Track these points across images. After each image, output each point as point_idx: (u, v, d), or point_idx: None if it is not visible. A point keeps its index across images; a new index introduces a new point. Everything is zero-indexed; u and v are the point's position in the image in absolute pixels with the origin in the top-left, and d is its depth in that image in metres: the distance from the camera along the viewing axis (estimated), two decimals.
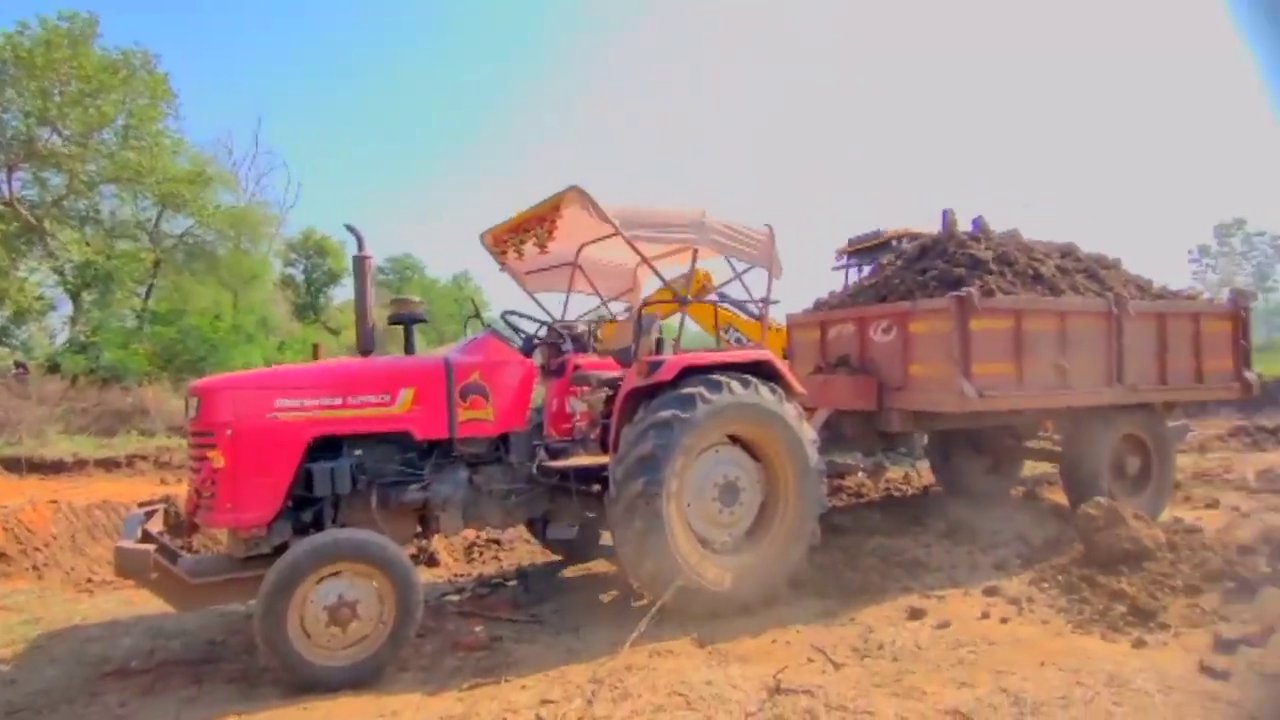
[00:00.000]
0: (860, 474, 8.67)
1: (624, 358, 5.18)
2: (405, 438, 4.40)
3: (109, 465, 10.66)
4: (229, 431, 3.90)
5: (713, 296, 6.78)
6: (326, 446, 4.19)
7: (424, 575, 5.69)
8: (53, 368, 16.13)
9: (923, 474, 8.62)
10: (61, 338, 20.96)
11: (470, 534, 6.51)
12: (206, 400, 3.98)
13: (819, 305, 7.75)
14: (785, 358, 7.61)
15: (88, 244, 19.95)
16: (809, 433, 4.97)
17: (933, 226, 7.47)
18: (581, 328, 6.00)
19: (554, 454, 4.99)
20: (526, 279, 6.08)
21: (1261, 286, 37.52)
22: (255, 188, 28.18)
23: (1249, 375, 6.93)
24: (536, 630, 4.59)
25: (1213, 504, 7.28)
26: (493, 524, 4.91)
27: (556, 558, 6.14)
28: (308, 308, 30.57)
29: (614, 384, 5.04)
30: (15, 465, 10.05)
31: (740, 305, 7.15)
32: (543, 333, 5.51)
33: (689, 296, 5.29)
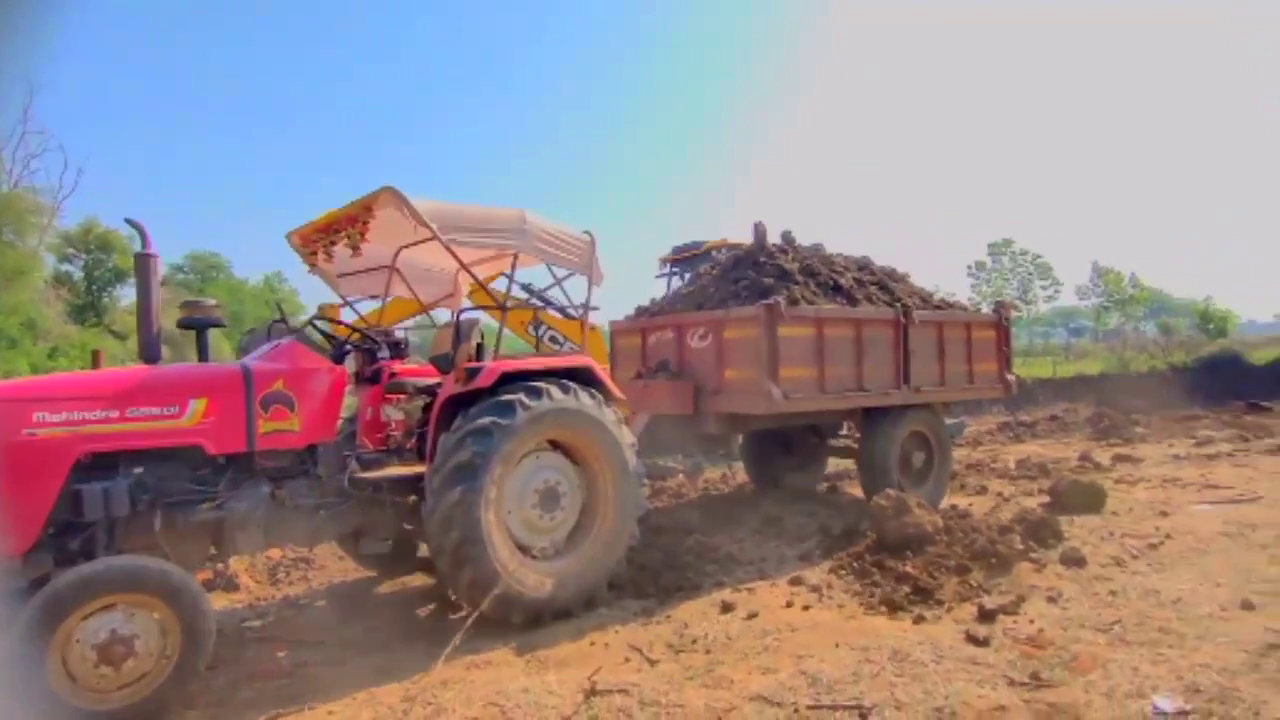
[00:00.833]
0: (680, 475, 9.01)
1: (443, 364, 5.05)
2: (196, 452, 4.03)
3: None
4: None
5: (534, 301, 6.78)
6: (101, 464, 3.76)
7: (220, 601, 5.26)
8: None
9: (738, 473, 9.09)
10: None
11: (276, 554, 6.07)
12: None
13: (641, 312, 7.96)
14: (608, 359, 7.77)
15: None
16: (628, 437, 5.07)
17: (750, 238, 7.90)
18: (399, 334, 5.78)
19: (367, 465, 4.76)
20: (340, 282, 5.78)
21: (1025, 299, 42.82)
22: (24, 171, 25.06)
23: (1009, 377, 7.93)
24: (347, 652, 4.36)
25: (981, 490, 8.22)
26: (299, 542, 4.63)
27: (371, 574, 5.86)
28: (88, 309, 27.28)
29: (432, 391, 4.90)
30: None
31: (561, 311, 7.19)
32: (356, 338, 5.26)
33: (508, 303, 5.25)
